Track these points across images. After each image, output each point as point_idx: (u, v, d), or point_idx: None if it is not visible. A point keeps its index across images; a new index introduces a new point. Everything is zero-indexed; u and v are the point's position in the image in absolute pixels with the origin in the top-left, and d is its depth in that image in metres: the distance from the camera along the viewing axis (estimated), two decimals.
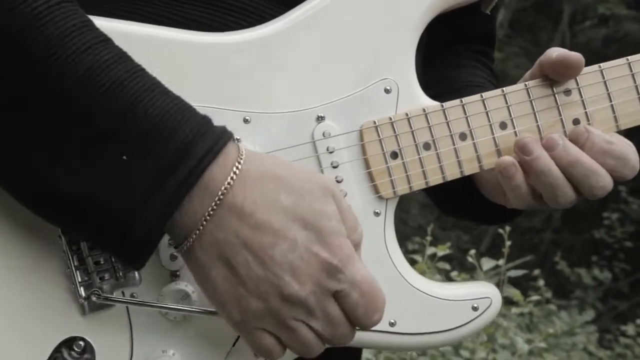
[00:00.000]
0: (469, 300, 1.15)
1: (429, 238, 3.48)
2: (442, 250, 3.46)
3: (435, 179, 1.15)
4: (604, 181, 1.12)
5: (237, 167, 0.96)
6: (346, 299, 0.98)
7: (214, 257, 0.96)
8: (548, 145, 1.13)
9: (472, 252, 3.49)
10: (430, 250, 3.47)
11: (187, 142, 0.94)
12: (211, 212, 0.95)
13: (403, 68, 1.15)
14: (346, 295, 0.97)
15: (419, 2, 1.15)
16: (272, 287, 0.95)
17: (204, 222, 0.95)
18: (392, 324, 1.13)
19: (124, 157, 0.92)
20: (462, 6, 1.19)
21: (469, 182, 1.24)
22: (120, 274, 1.08)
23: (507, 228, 3.56)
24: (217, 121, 1.09)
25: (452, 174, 1.16)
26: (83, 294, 1.07)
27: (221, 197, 0.95)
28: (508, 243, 3.39)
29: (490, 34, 1.39)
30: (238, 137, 1.10)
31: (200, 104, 1.09)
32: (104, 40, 0.95)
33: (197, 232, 0.95)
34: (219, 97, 1.11)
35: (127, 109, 0.93)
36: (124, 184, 0.93)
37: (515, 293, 3.62)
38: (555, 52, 1.15)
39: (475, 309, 1.15)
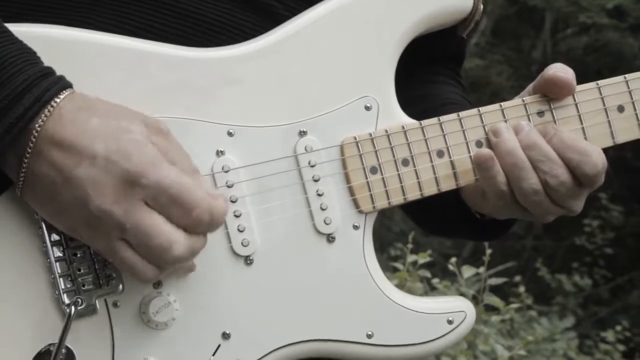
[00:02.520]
0: (445, 313, 1.18)
1: (409, 245, 3.51)
2: (422, 258, 3.50)
3: (413, 195, 1.18)
4: (557, 171, 1.15)
5: (54, 103, 1.00)
6: (156, 202, 0.99)
7: (42, 193, 1.02)
8: (515, 129, 1.17)
9: (453, 260, 3.53)
10: (411, 257, 3.49)
11: (16, 94, 0.99)
12: (29, 150, 1.00)
13: (383, 86, 1.19)
14: (155, 199, 0.99)
15: (399, 24, 1.18)
16: (81, 206, 1.00)
17: (25, 160, 1.00)
18: (369, 336, 1.16)
19: None
20: (439, 29, 1.22)
21: (454, 198, 1.26)
22: (103, 281, 1.10)
23: None
24: (200, 133, 1.13)
25: (430, 190, 1.19)
26: (66, 300, 1.09)
27: (36, 133, 1.00)
28: (489, 251, 3.43)
29: (462, 54, 1.44)
30: (222, 149, 1.13)
31: (184, 117, 1.13)
32: None
33: (23, 171, 1.01)
34: (203, 111, 1.13)
35: None
36: None
37: (495, 301, 3.65)
38: (550, 70, 1.19)
39: (450, 322, 1.18)
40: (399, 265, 3.57)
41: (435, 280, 4.10)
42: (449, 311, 1.18)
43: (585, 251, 9.63)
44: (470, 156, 1.19)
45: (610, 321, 8.38)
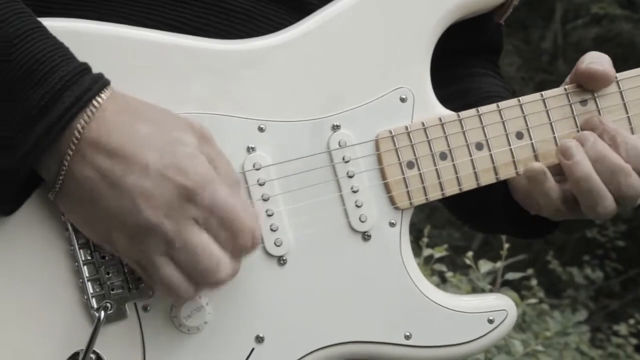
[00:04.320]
0: (485, 312, 1.14)
1: (425, 239, 3.46)
2: (439, 252, 3.45)
3: (451, 190, 1.14)
4: (631, 179, 1.10)
5: (96, 103, 0.96)
6: (207, 222, 0.96)
7: (79, 198, 0.97)
8: (580, 140, 1.12)
9: (470, 254, 3.48)
10: (427, 251, 3.45)
11: (55, 91, 0.95)
12: (70, 152, 0.96)
13: (418, 77, 1.14)
14: (205, 219, 0.96)
15: (433, 12, 1.14)
16: (128, 216, 0.95)
17: (66, 163, 0.96)
18: (407, 337, 1.12)
19: None
20: (475, 16, 1.18)
21: (505, 194, 1.21)
22: (133, 285, 1.06)
23: None
24: (230, 129, 1.08)
25: (469, 184, 1.14)
26: (95, 305, 1.05)
27: (78, 135, 0.96)
28: (507, 245, 3.38)
29: (500, 43, 1.38)
30: (253, 146, 1.09)
31: (214, 112, 1.09)
32: None
33: (62, 173, 0.97)
34: (233, 105, 1.09)
35: (2, 51, 0.94)
36: None
37: (513, 295, 3.61)
38: (584, 63, 1.14)
39: (491, 321, 1.14)
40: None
41: (448, 274, 4.06)
42: (490, 310, 1.14)
43: (597, 244, 9.58)
44: (511, 149, 1.15)
45: (622, 314, 8.33)
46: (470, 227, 1.47)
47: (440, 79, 1.17)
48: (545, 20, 10.22)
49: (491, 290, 4.43)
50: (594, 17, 9.53)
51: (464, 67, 1.32)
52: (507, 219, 1.25)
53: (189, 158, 0.96)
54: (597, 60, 1.14)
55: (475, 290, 4.26)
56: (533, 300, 4.28)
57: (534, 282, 6.04)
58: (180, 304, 1.02)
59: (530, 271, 6.08)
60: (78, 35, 1.04)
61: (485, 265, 3.56)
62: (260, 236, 1.01)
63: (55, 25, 1.02)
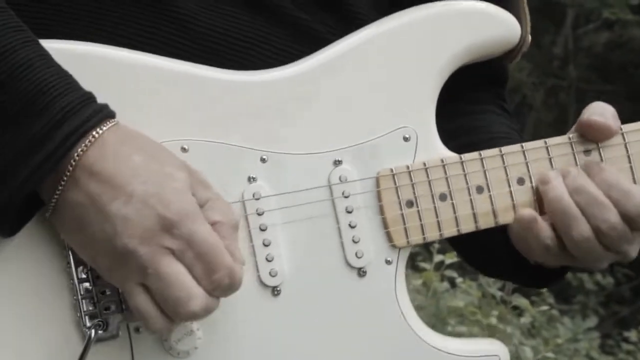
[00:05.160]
0: (479, 357, 1.14)
1: (436, 245, 3.47)
2: (450, 258, 3.46)
3: (450, 231, 1.14)
4: (607, 214, 1.10)
5: (96, 133, 0.98)
6: (183, 255, 0.97)
7: (71, 221, 1.00)
8: (562, 173, 1.13)
9: None
10: (437, 257, 3.46)
11: (54, 122, 0.96)
12: (65, 178, 0.98)
13: (423, 117, 1.14)
14: (182, 252, 0.97)
15: (441, 55, 1.14)
16: (109, 241, 0.97)
17: (60, 187, 0.98)
18: None
19: None
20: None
21: (509, 244, 1.22)
22: (126, 305, 1.08)
23: None
24: (232, 158, 1.09)
25: (467, 227, 1.14)
26: (88, 323, 1.06)
27: (73, 162, 0.98)
28: None
29: (505, 75, 1.38)
30: (254, 176, 1.10)
31: (217, 141, 1.10)
32: None
33: (56, 196, 0.99)
34: (236, 136, 1.10)
35: (5, 81, 0.96)
36: None
37: (523, 302, 3.60)
38: (585, 114, 1.15)
39: None
40: (422, 264, 3.53)
41: (459, 280, 4.06)
42: (482, 355, 1.14)
43: None
44: (512, 193, 1.15)
45: (632, 320, 8.29)
46: (481, 272, 1.47)
47: (445, 112, 1.17)
48: (557, 25, 10.10)
49: (501, 297, 4.42)
50: (606, 22, 9.41)
51: (470, 102, 1.31)
52: (512, 268, 1.25)
53: (174, 192, 0.98)
54: (599, 112, 1.14)
55: (485, 296, 4.26)
56: (543, 307, 4.28)
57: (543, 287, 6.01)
58: (153, 332, 1.03)
59: None
60: (84, 58, 1.05)
61: None
62: (241, 279, 1.01)
63: (64, 47, 1.03)
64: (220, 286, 0.99)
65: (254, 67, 1.12)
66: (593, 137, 1.15)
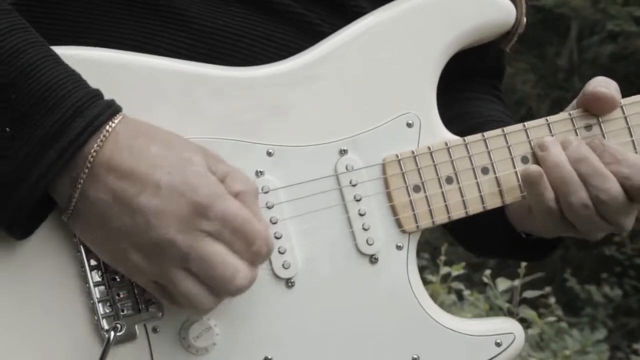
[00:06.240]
0: (493, 335, 1.14)
1: (442, 257, 3.47)
2: (456, 270, 3.45)
3: (457, 214, 1.15)
4: (609, 184, 1.11)
5: (109, 127, 0.99)
6: (220, 234, 0.98)
7: (93, 219, 1.00)
8: (563, 144, 1.14)
9: (487, 272, 3.48)
10: (444, 269, 3.45)
11: (66, 118, 0.97)
12: (84, 175, 0.98)
13: (425, 102, 1.16)
14: (220, 233, 0.98)
15: (439, 39, 1.15)
16: (141, 234, 0.98)
17: (79, 186, 0.99)
18: (415, 359, 1.13)
19: (7, 130, 0.97)
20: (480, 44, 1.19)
21: (499, 217, 1.23)
22: (143, 306, 1.08)
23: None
24: (239, 154, 1.10)
25: (475, 208, 1.16)
26: (105, 326, 1.07)
27: (91, 159, 0.98)
28: (524, 263, 3.38)
29: (502, 67, 1.40)
30: (261, 170, 1.11)
31: (223, 137, 1.11)
32: (2, 10, 0.99)
33: (75, 196, 0.99)
34: (242, 130, 1.11)
35: (15, 80, 0.97)
36: (2, 154, 0.97)
37: (531, 314, 3.59)
38: (590, 86, 1.16)
39: (498, 344, 1.14)
40: (428, 276, 3.52)
41: (466, 292, 4.05)
42: (497, 333, 1.15)
43: (615, 261, 9.50)
44: (517, 172, 1.16)
45: None
46: (471, 251, 1.48)
47: (442, 102, 1.19)
48: (561, 37, 10.20)
49: (509, 309, 4.41)
50: (610, 34, 9.50)
51: (465, 90, 1.33)
52: (506, 241, 1.26)
53: (198, 176, 0.99)
54: (603, 84, 1.16)
55: (492, 308, 4.25)
56: (551, 319, 4.25)
57: (552, 300, 5.99)
58: (202, 314, 1.04)
59: (548, 289, 6.04)
60: (95, 63, 1.07)
61: (502, 283, 3.55)
62: (273, 242, 1.03)
63: (69, 53, 1.04)
64: (260, 255, 1.01)
65: (257, 63, 1.14)
66: (597, 109, 1.16)
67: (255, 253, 1.00)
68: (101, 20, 1.12)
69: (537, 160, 1.15)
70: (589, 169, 1.12)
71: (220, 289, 1.00)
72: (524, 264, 3.35)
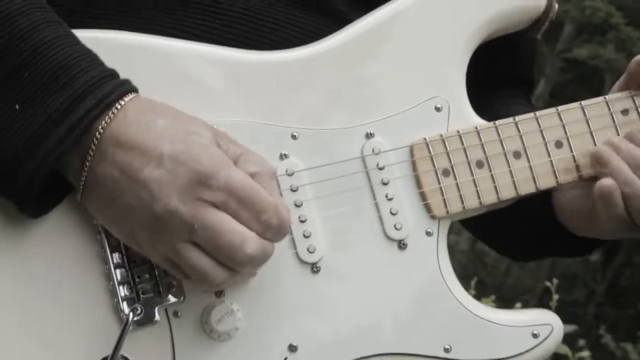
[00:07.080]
0: (529, 326, 1.09)
1: (472, 291, 3.40)
2: (486, 304, 3.36)
3: (490, 199, 1.11)
4: None
5: (119, 105, 0.97)
6: (225, 204, 0.95)
7: (103, 196, 0.98)
8: (615, 149, 1.10)
9: (518, 305, 3.39)
10: None
11: (77, 95, 0.96)
12: (91, 152, 0.97)
13: (453, 87, 1.13)
14: (225, 203, 0.95)
15: (469, 24, 1.13)
16: (145, 208, 0.95)
17: (87, 162, 0.97)
18: (447, 350, 1.08)
19: (17, 107, 0.96)
20: (509, 33, 1.17)
21: (544, 217, 1.18)
22: (164, 289, 1.05)
23: (555, 281, 3.45)
24: (263, 136, 1.08)
25: (507, 194, 1.12)
26: (125, 308, 1.04)
27: (99, 135, 0.97)
28: (556, 297, 3.29)
29: (532, 76, 1.37)
30: (286, 153, 1.08)
31: (249, 119, 1.09)
32: None
33: (84, 173, 0.97)
34: (268, 113, 1.09)
35: (29, 59, 0.96)
36: (12, 130, 0.96)
37: (564, 349, 3.46)
38: (633, 62, 1.13)
39: (535, 335, 1.09)
40: None
41: None
42: (534, 324, 1.09)
43: None
44: (550, 157, 1.12)
45: None
46: (512, 258, 1.43)
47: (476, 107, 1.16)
48: (595, 93, 10.18)
49: None
50: None
51: (495, 95, 1.30)
52: (552, 240, 1.21)
53: (202, 146, 0.96)
54: None
55: None
56: (585, 354, 4.11)
57: (585, 353, 5.82)
58: (215, 287, 1.01)
59: (582, 342, 5.88)
60: (114, 46, 1.06)
61: None
62: (288, 219, 0.99)
63: (88, 36, 1.04)
64: (271, 226, 0.97)
65: (280, 48, 1.12)
66: None
67: (265, 223, 0.96)
68: (131, 9, 1.12)
69: (570, 144, 1.11)
70: None
71: (229, 258, 0.96)
72: (555, 297, 3.25)
